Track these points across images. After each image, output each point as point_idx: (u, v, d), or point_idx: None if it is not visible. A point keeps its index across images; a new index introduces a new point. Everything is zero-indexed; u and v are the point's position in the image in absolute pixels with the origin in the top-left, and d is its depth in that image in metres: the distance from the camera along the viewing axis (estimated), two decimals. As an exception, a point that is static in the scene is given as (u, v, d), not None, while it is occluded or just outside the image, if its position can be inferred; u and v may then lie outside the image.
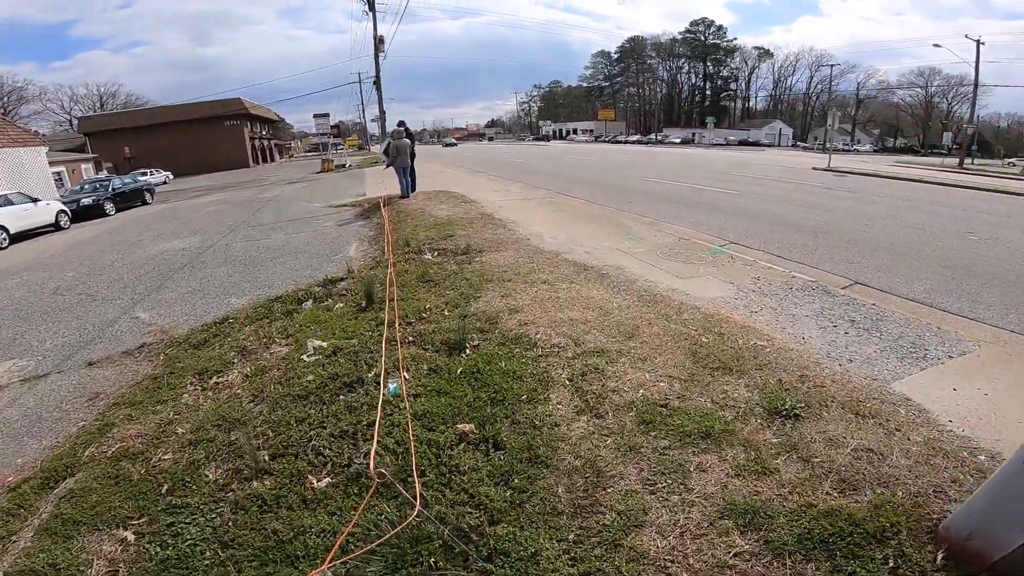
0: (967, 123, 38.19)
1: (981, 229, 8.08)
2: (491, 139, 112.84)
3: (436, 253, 6.20)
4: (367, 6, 27.61)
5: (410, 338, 3.80)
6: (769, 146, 65.16)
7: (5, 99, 67.17)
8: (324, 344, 3.79)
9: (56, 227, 15.40)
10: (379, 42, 28.10)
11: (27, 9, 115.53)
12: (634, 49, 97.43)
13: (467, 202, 10.69)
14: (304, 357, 3.66)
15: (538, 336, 3.66)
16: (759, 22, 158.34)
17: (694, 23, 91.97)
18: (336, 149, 44.17)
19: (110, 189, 18.99)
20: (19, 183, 19.12)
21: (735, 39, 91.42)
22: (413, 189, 12.30)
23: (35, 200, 15.09)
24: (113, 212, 18.36)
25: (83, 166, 41.29)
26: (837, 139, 66.61)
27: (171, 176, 41.22)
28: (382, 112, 31.23)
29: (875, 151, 63.96)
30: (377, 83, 29.52)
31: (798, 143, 72.82)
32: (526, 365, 3.25)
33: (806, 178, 16.87)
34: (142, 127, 49.81)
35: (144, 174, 38.60)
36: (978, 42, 32.08)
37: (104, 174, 40.37)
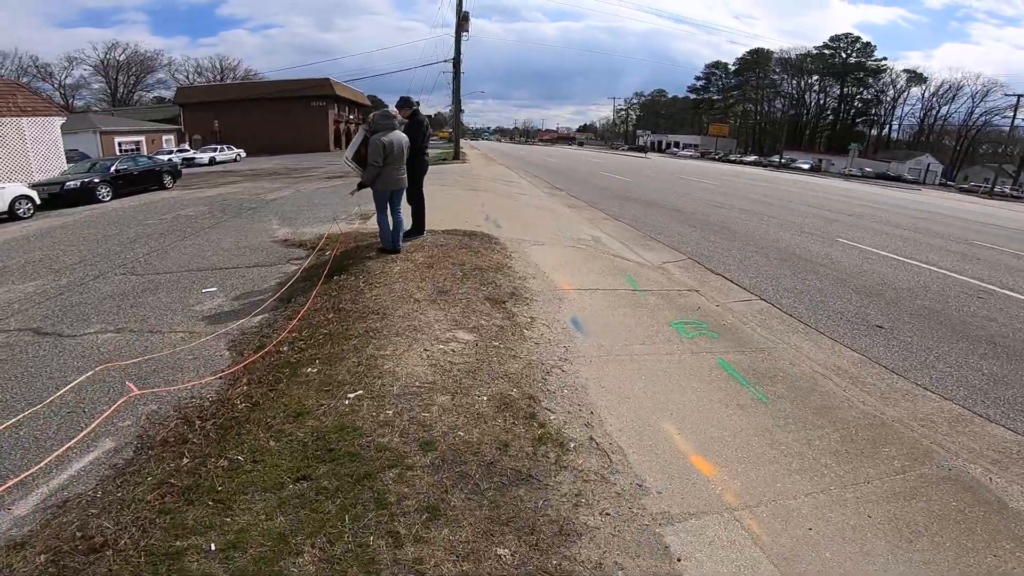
0: None
1: None
2: (581, 144, 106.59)
3: None
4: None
5: None
6: (914, 183, 53.86)
7: (137, 67, 72.38)
8: None
9: (11, 216, 11.99)
10: (463, 19, 23.41)
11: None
12: (756, 62, 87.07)
13: (500, 303, 4.79)
14: None
15: None
16: (894, 46, 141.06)
17: (834, 38, 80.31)
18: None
19: (109, 170, 15.67)
20: (17, 158, 16.37)
21: (884, 59, 78.46)
22: (419, 231, 6.76)
23: (-20, 182, 11.75)
24: (109, 198, 14.96)
25: (164, 137, 40.47)
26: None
27: (243, 154, 39.42)
28: (457, 100, 26.57)
29: (1045, 199, 50.86)
30: (456, 65, 24.81)
31: (948, 182, 60.48)
32: None
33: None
34: (232, 101, 49.19)
35: (214, 150, 37.08)
36: None
37: (184, 146, 39.54)
